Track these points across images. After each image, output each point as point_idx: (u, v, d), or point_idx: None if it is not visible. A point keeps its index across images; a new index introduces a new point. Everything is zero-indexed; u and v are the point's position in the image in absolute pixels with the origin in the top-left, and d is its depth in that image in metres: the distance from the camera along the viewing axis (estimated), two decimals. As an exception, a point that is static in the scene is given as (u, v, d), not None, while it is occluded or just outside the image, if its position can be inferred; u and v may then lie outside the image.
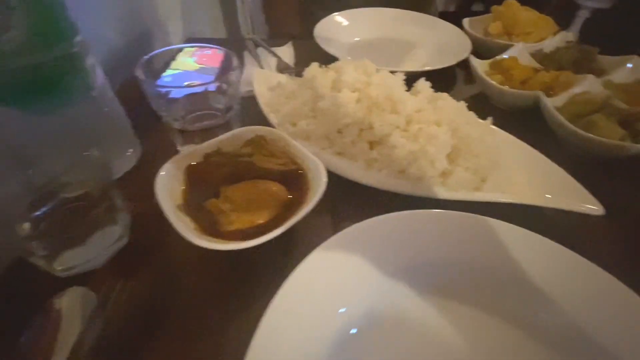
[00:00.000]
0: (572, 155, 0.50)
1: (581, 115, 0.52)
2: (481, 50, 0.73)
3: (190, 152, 0.39)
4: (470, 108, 0.46)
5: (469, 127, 0.41)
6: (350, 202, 0.42)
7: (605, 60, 0.65)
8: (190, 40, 0.91)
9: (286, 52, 0.78)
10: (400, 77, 0.48)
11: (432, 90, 0.48)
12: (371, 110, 0.43)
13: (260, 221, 0.35)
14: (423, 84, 0.48)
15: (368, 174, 0.41)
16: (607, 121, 0.49)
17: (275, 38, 0.85)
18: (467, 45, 0.70)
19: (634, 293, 0.28)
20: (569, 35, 0.70)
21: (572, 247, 0.32)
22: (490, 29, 0.73)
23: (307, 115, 0.46)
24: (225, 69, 0.49)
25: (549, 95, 0.56)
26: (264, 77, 0.58)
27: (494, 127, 0.47)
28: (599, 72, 0.63)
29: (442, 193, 0.39)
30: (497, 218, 0.34)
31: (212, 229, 0.34)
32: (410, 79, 0.49)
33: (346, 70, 0.48)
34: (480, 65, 0.63)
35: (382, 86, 0.44)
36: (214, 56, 0.52)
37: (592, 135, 0.46)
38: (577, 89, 0.56)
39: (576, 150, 0.51)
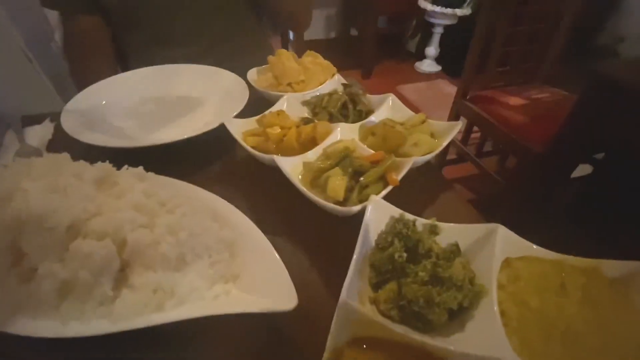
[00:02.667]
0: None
1: (325, 170, 0.50)
2: (265, 102, 0.69)
3: None
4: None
5: (142, 233, 0.34)
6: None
7: (372, 99, 0.67)
8: None
9: (41, 133, 0.66)
10: (102, 168, 0.40)
11: (136, 179, 0.40)
12: (22, 229, 0.33)
13: None
14: (125, 173, 0.40)
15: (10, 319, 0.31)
16: (339, 177, 0.46)
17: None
18: (244, 98, 0.66)
19: None
20: (340, 79, 0.71)
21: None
22: (259, 81, 0.71)
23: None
24: None
25: (310, 149, 0.54)
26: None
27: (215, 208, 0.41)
28: (367, 113, 0.64)
29: (105, 327, 0.31)
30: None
31: None
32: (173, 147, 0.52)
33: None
34: (244, 125, 0.59)
35: (46, 191, 0.35)
36: None
37: (312, 196, 0.44)
38: (330, 140, 0.55)
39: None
